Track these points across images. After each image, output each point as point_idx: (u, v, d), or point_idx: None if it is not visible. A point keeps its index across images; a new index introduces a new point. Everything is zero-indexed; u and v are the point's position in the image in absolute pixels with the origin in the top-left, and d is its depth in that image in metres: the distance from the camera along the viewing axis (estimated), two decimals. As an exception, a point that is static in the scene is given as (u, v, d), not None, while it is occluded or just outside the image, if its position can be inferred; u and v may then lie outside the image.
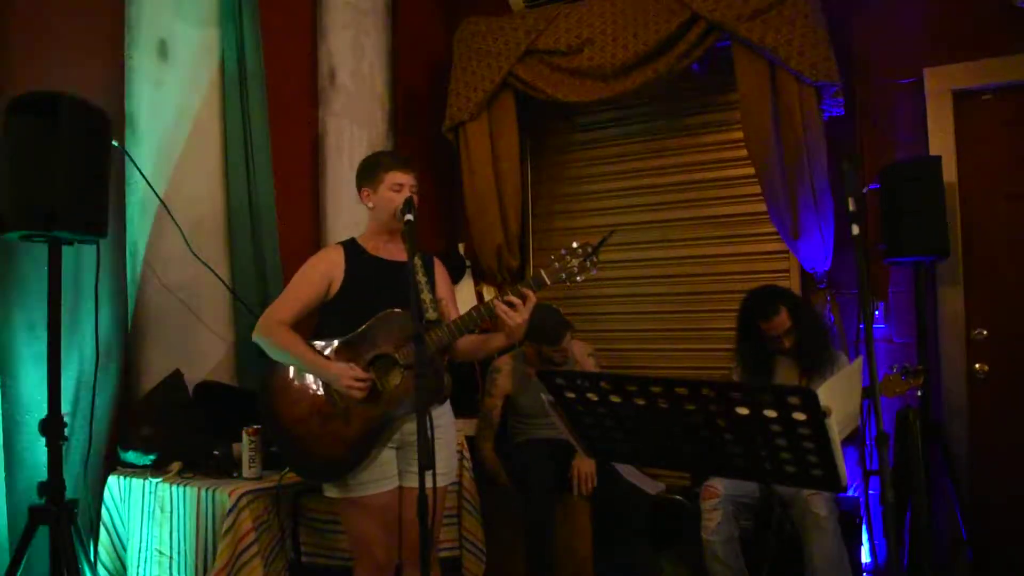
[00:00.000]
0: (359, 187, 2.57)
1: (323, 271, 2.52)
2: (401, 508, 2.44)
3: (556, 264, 2.37)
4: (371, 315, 2.42)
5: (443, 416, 2.54)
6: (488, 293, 4.28)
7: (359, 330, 2.43)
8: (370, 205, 2.55)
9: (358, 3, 3.93)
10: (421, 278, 2.51)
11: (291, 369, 2.46)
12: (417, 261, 2.54)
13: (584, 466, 3.27)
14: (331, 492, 2.46)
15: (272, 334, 2.44)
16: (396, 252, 2.54)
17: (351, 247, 2.58)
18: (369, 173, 2.55)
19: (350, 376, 2.33)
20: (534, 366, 3.52)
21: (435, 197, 4.49)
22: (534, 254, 4.56)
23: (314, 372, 2.41)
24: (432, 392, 2.37)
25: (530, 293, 2.33)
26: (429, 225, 4.31)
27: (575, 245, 2.38)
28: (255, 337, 2.47)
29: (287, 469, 2.68)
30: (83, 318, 2.78)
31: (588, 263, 2.36)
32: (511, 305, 2.32)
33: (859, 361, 1.91)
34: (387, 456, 2.45)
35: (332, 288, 2.51)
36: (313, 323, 2.54)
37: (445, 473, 2.51)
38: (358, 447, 2.39)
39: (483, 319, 2.36)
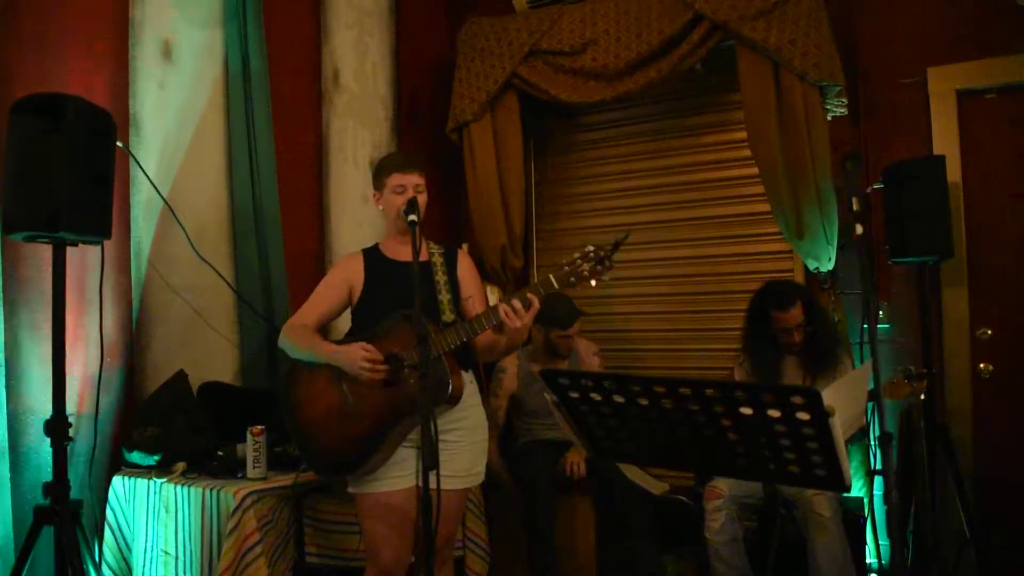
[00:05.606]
0: (374, 191, 2.62)
1: (342, 277, 2.60)
2: (418, 508, 2.44)
3: (566, 268, 2.32)
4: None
5: (467, 418, 2.52)
6: (492, 293, 4.28)
7: (372, 331, 2.46)
8: (380, 208, 2.60)
9: (361, 4, 3.93)
10: (440, 278, 2.53)
11: (309, 367, 2.49)
12: (438, 260, 2.57)
13: (575, 455, 3.32)
14: (351, 488, 2.50)
15: (289, 334, 2.53)
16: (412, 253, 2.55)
17: (371, 252, 2.63)
18: (376, 177, 2.60)
19: (362, 357, 2.35)
20: (540, 359, 3.52)
21: (439, 198, 4.49)
22: (538, 254, 4.56)
23: (327, 359, 2.43)
24: (434, 393, 2.37)
25: (535, 299, 2.31)
26: (433, 226, 4.32)
27: (589, 248, 2.32)
28: (280, 343, 2.55)
29: (301, 467, 2.71)
30: (88, 319, 2.79)
31: (600, 267, 2.30)
32: (515, 309, 2.30)
33: (867, 365, 1.91)
34: (404, 454, 2.44)
35: (354, 293, 2.57)
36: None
37: (465, 475, 2.52)
38: (364, 445, 2.40)
39: (491, 322, 2.34)
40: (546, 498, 3.26)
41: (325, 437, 2.46)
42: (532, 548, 3.23)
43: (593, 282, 2.31)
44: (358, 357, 2.35)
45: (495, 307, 2.34)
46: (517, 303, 2.30)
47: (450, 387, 2.37)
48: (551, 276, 2.33)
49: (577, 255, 2.32)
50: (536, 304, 2.32)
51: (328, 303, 2.59)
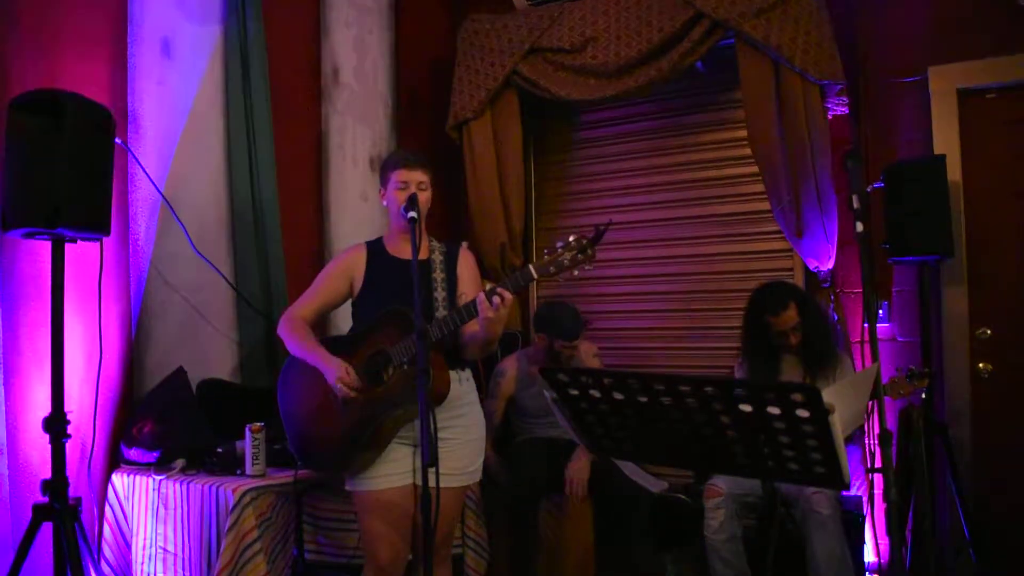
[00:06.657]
0: (380, 187, 2.64)
1: (343, 269, 2.60)
2: (416, 506, 2.44)
3: (547, 257, 2.30)
4: None
5: (464, 416, 2.52)
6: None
7: (364, 327, 2.46)
8: (384, 204, 2.61)
9: (362, 1, 3.93)
10: (439, 276, 2.53)
11: (301, 365, 2.51)
12: (438, 257, 2.58)
13: (577, 473, 3.25)
14: (347, 485, 2.50)
15: (284, 327, 2.54)
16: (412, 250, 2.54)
17: (374, 246, 2.64)
18: (381, 173, 2.64)
19: (339, 375, 2.36)
20: (541, 363, 3.51)
21: (438, 195, 4.45)
22: (537, 253, 4.55)
23: (313, 363, 2.45)
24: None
25: (506, 294, 2.28)
26: (432, 223, 4.31)
27: (571, 239, 2.29)
28: (279, 331, 2.57)
29: (300, 464, 2.71)
30: (86, 316, 2.78)
31: (581, 256, 2.26)
32: (491, 303, 2.27)
33: (872, 367, 1.90)
34: (400, 452, 2.45)
35: (355, 287, 2.58)
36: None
37: (462, 473, 2.51)
38: (351, 441, 2.40)
39: (471, 315, 2.33)
40: (539, 497, 3.26)
41: (315, 433, 2.49)
42: (513, 543, 3.23)
43: (575, 272, 2.28)
44: (334, 377, 2.37)
45: (472, 300, 2.32)
46: (495, 298, 2.27)
47: (431, 383, 2.32)
48: (531, 266, 2.31)
49: (559, 244, 2.30)
50: (509, 296, 2.28)
51: (327, 295, 2.61)
